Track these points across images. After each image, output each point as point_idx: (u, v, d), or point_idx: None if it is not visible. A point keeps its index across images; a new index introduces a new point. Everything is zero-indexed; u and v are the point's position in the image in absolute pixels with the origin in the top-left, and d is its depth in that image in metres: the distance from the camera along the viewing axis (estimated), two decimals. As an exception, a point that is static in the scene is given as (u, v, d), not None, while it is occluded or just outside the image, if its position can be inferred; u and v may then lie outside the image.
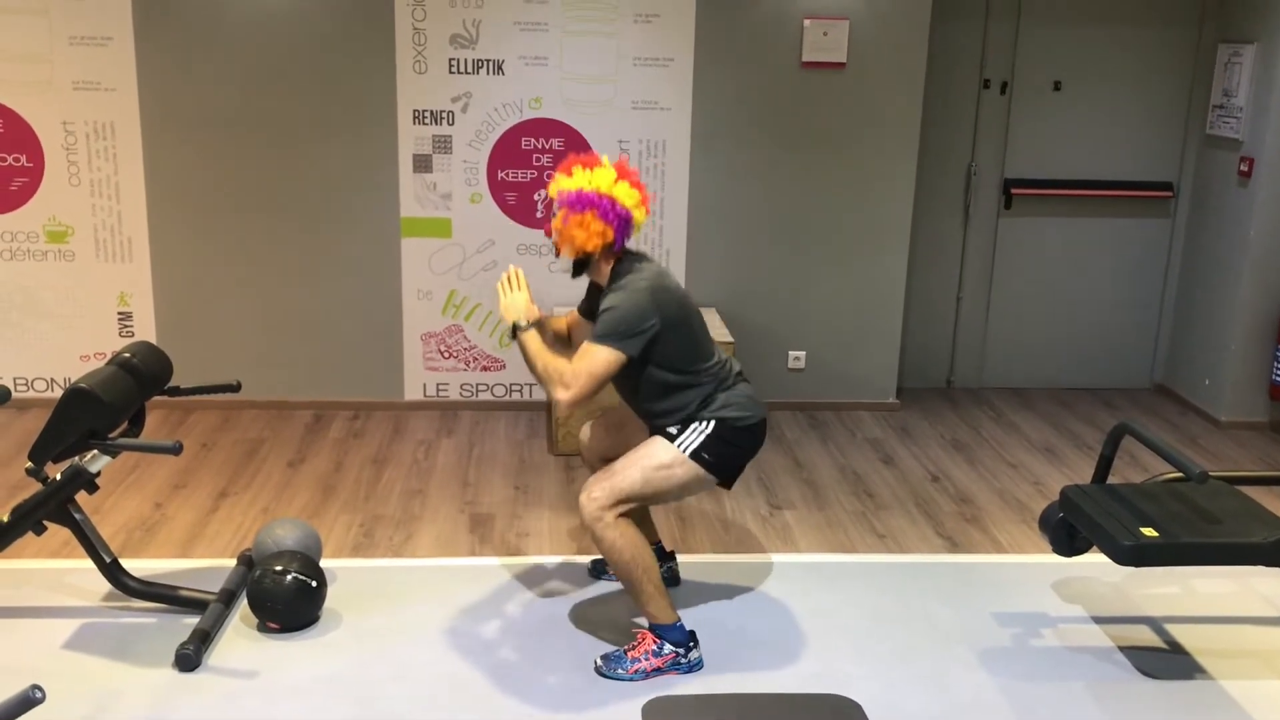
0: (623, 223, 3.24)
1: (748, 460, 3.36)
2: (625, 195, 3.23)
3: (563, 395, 3.17)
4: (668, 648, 3.28)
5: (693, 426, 3.27)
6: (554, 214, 3.28)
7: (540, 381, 3.25)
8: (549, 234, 3.33)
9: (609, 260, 3.32)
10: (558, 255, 3.36)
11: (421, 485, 4.63)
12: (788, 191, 5.41)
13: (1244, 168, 5.44)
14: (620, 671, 3.26)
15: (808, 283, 5.55)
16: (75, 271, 5.27)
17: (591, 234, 3.22)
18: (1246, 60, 5.40)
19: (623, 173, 3.27)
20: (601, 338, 3.17)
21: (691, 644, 3.31)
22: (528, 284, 3.40)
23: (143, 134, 5.15)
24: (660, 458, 3.25)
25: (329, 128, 5.20)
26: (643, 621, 3.37)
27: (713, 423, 3.27)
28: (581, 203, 3.22)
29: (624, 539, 3.21)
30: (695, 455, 3.25)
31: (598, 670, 3.28)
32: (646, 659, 3.27)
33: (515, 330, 3.29)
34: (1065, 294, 6.01)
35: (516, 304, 3.33)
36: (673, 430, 3.29)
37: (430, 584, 3.77)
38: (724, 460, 3.30)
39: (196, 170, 5.21)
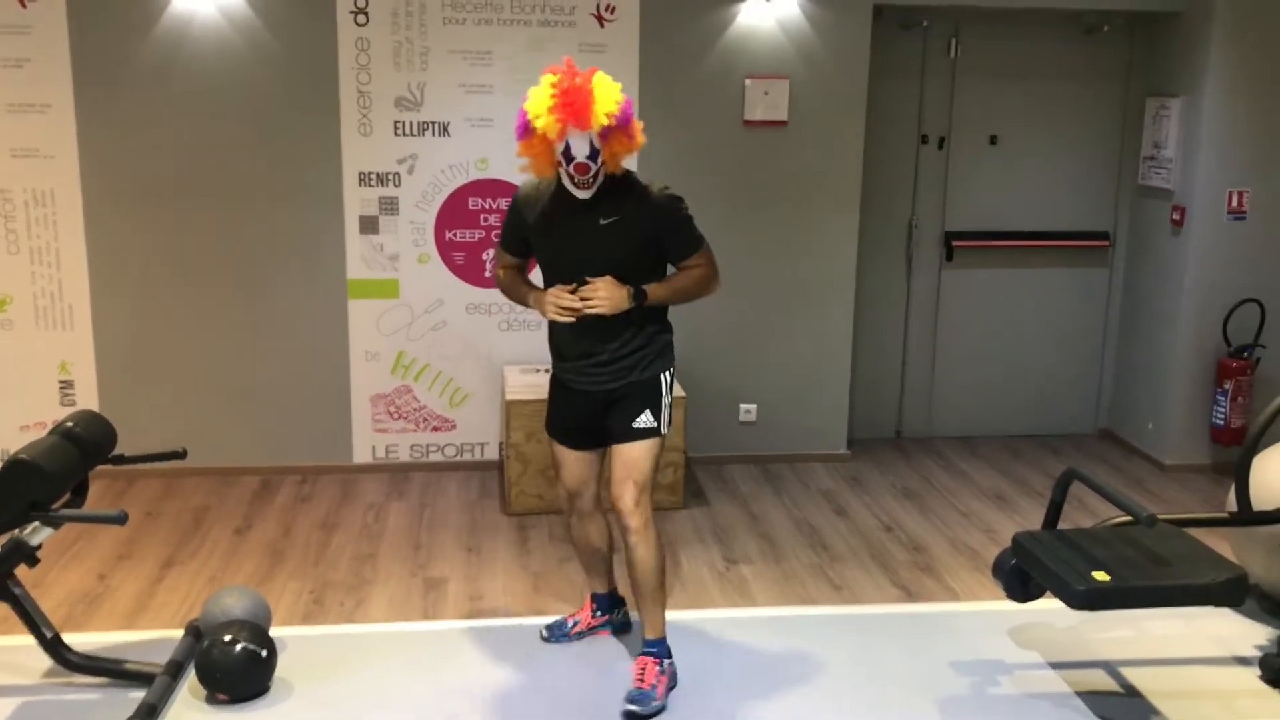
0: None
1: None
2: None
3: (716, 286, 3.44)
4: (666, 662, 3.45)
5: (666, 370, 3.42)
6: (605, 140, 3.12)
7: (691, 299, 3.41)
8: (585, 169, 3.15)
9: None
10: (592, 179, 3.19)
11: (372, 549, 4.57)
12: (735, 247, 5.46)
13: (1176, 216, 5.58)
14: (655, 704, 3.34)
15: (756, 337, 5.59)
16: (14, 340, 5.18)
17: (637, 141, 3.23)
18: (1174, 113, 5.56)
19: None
20: (695, 240, 3.37)
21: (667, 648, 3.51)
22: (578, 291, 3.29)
23: (84, 200, 5.09)
24: (651, 434, 3.38)
25: (273, 191, 5.18)
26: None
27: (670, 363, 3.46)
28: (629, 114, 3.17)
29: (660, 545, 3.42)
30: (668, 409, 3.44)
31: (635, 716, 3.31)
32: (660, 679, 3.39)
33: (640, 299, 3.29)
34: (1009, 343, 6.10)
35: (615, 295, 3.25)
36: (664, 374, 3.41)
37: (384, 650, 3.71)
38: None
39: (139, 236, 5.15)
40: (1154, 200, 5.78)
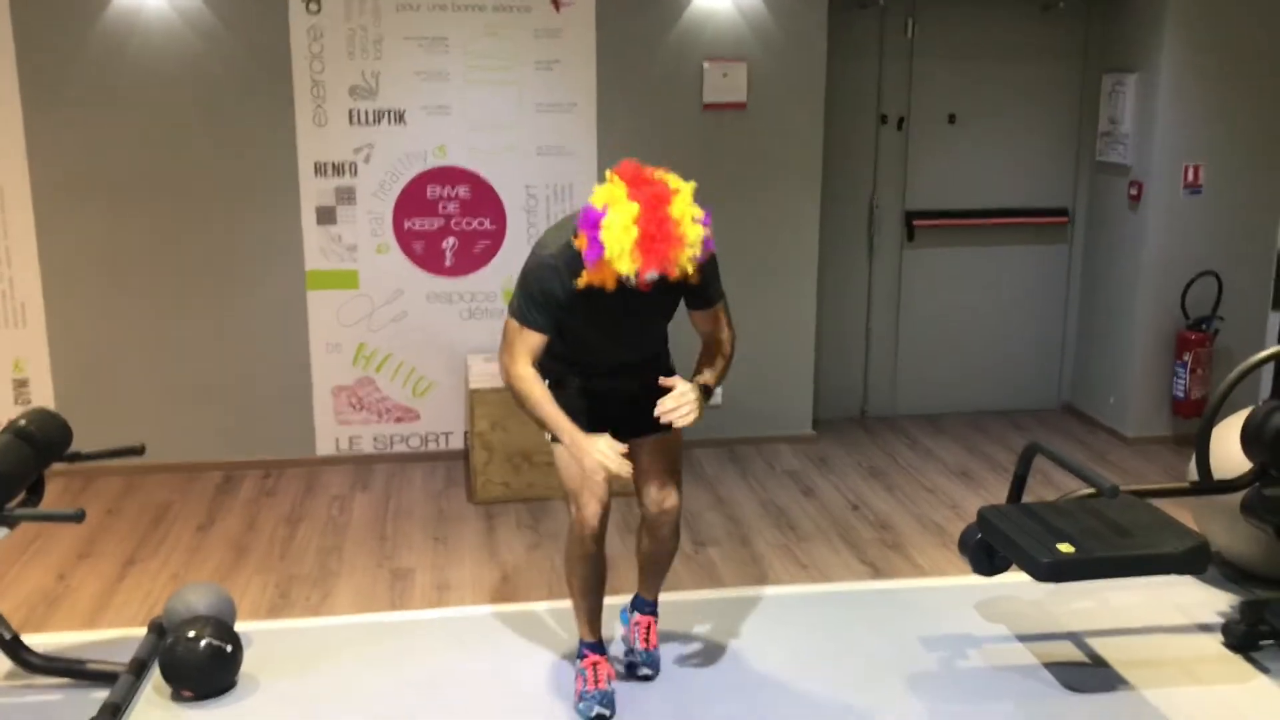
0: None
1: None
2: None
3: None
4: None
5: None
6: (703, 251, 2.90)
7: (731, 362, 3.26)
8: (649, 288, 2.93)
9: None
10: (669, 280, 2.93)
11: (338, 541, 4.53)
12: (696, 230, 5.44)
13: (1133, 192, 5.62)
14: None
15: (720, 320, 5.58)
16: (-34, 340, 5.09)
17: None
18: (1129, 89, 5.59)
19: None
20: (719, 289, 3.23)
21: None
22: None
23: (33, 198, 5.00)
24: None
25: (229, 182, 5.12)
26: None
27: None
28: (710, 247, 2.98)
29: None
30: None
31: (650, 678, 3.40)
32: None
33: (709, 395, 3.12)
34: (971, 320, 6.13)
35: (696, 404, 3.01)
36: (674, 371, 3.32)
37: (351, 642, 3.68)
38: None
39: (92, 231, 5.07)
40: (1111, 176, 5.82)
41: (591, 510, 3.13)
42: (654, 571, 3.50)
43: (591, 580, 3.27)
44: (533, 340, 3.03)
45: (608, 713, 3.22)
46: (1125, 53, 5.67)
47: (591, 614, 3.33)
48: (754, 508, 4.89)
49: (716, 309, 3.23)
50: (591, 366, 3.22)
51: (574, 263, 2.94)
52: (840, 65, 5.65)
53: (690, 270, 2.88)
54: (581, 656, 3.35)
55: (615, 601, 3.67)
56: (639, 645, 3.47)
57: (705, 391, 3.11)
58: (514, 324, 3.05)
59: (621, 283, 2.88)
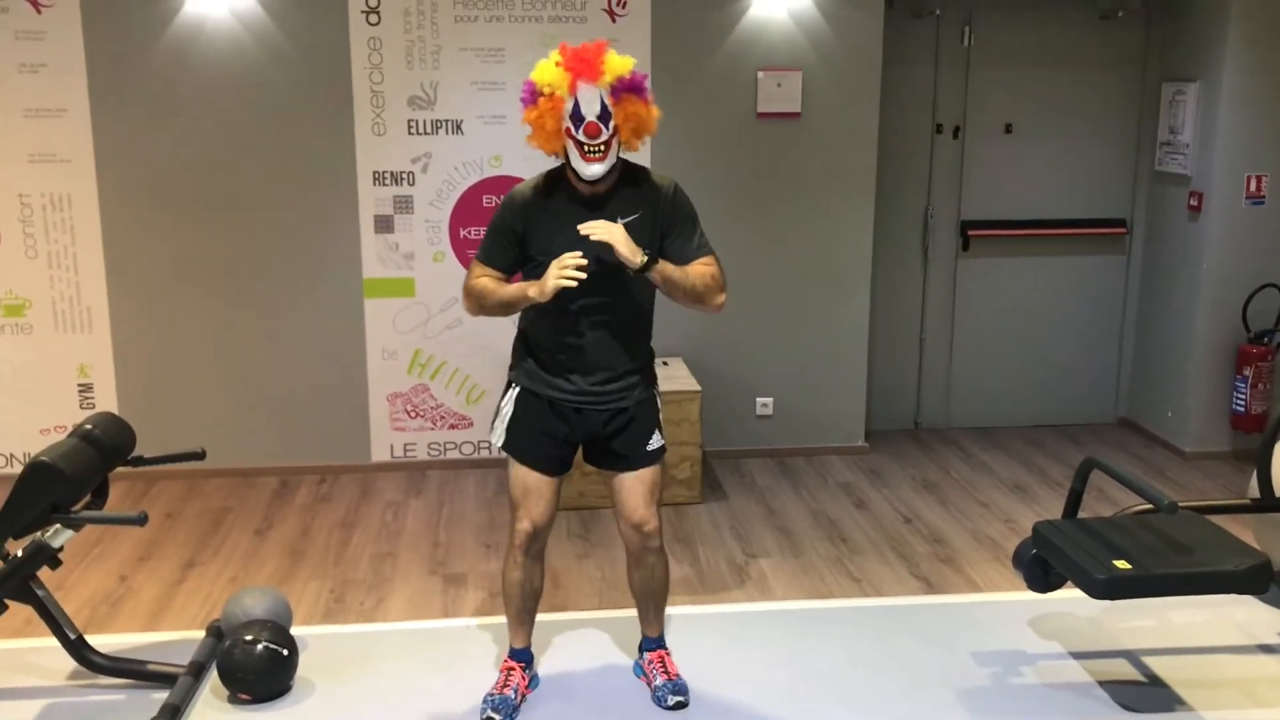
0: None
1: None
2: None
3: (723, 298, 3.18)
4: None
5: (656, 386, 3.34)
6: (617, 102, 2.96)
7: (696, 299, 3.12)
8: (596, 131, 2.93)
9: None
10: (606, 150, 2.97)
11: (391, 547, 4.58)
12: (749, 240, 5.45)
13: (1194, 202, 5.54)
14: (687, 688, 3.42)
15: (772, 330, 5.58)
16: (33, 344, 5.21)
17: (652, 116, 3.05)
18: (1190, 98, 5.52)
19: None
20: (706, 245, 3.17)
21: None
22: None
23: (100, 204, 5.12)
24: (662, 453, 3.32)
25: (288, 192, 5.20)
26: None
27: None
28: (642, 82, 3.01)
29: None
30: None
31: (684, 705, 3.36)
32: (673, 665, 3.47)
33: (648, 266, 3.02)
34: (1027, 332, 6.07)
35: (621, 236, 2.97)
36: (649, 385, 3.31)
37: (404, 648, 3.72)
38: None
39: (156, 238, 5.18)
40: (1171, 186, 5.74)
41: (523, 527, 3.25)
42: (651, 605, 3.45)
43: (520, 590, 3.35)
44: (481, 274, 3.17)
45: (497, 718, 3.27)
46: (1186, 61, 5.60)
47: (519, 622, 3.42)
48: (805, 519, 4.88)
49: (710, 260, 3.16)
50: (568, 374, 3.18)
51: (526, 190, 3.13)
52: (895, 74, 5.62)
53: (620, 72, 2.92)
54: (509, 656, 3.45)
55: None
56: (660, 679, 3.41)
57: (651, 260, 3.03)
58: (473, 262, 3.22)
59: (575, 194, 3.05)
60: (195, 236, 5.20)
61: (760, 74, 5.31)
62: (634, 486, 3.27)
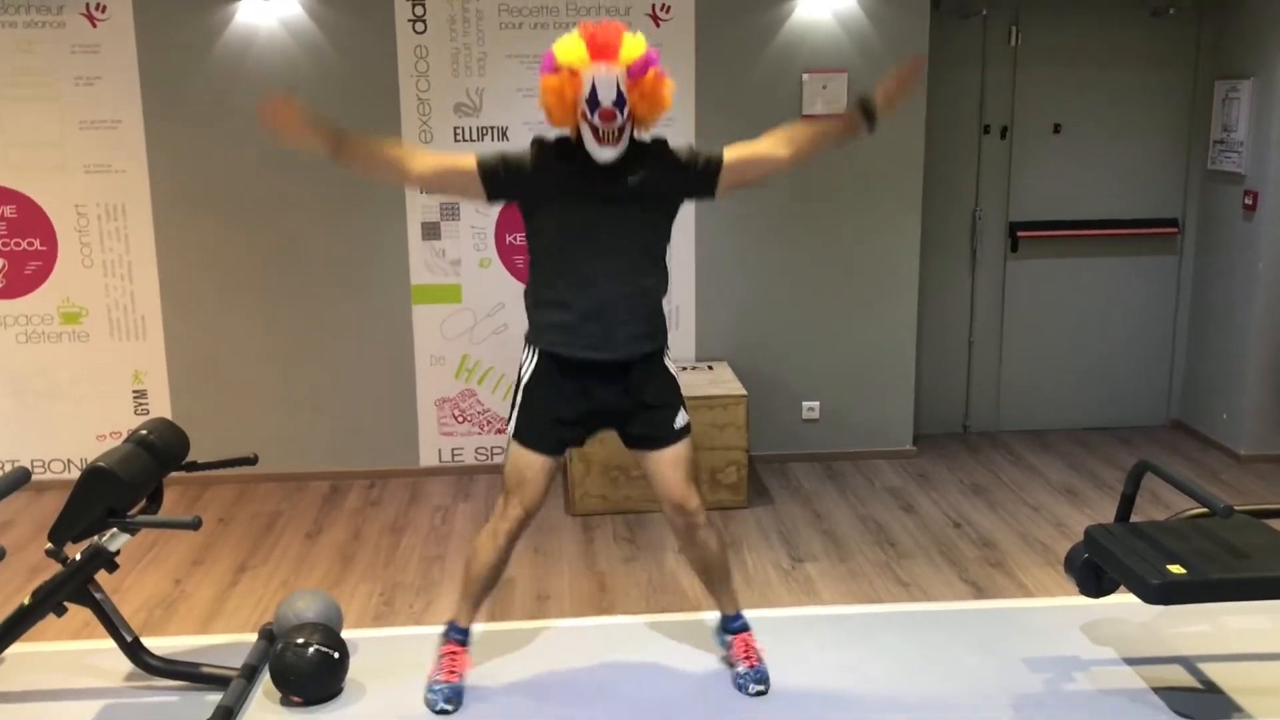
0: None
1: None
2: None
3: (787, 150, 3.26)
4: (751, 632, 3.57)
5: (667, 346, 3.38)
6: (634, 83, 3.02)
7: (814, 141, 3.25)
8: (611, 116, 3.01)
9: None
10: (619, 135, 3.07)
11: (440, 551, 4.62)
12: (795, 243, 5.44)
13: (1248, 201, 5.45)
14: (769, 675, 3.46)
15: (819, 333, 5.56)
16: (90, 352, 5.31)
17: (665, 95, 3.13)
18: (1244, 95, 5.43)
19: None
20: (718, 149, 3.25)
21: None
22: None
23: (153, 213, 5.21)
24: (689, 429, 3.36)
25: (337, 200, 5.26)
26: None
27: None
28: (655, 61, 3.08)
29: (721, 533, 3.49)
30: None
31: (763, 694, 3.39)
32: (759, 650, 3.51)
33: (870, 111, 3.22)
34: (1077, 334, 6.00)
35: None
36: (667, 353, 3.36)
37: (453, 651, 3.74)
38: None
39: (207, 247, 5.26)
40: (1224, 185, 5.66)
41: (514, 514, 3.30)
42: (716, 580, 3.51)
43: (488, 572, 3.38)
44: (463, 157, 3.19)
45: (451, 709, 3.31)
46: (1239, 58, 5.51)
47: (474, 600, 3.44)
48: (853, 524, 4.86)
49: (734, 150, 3.23)
50: (574, 305, 3.19)
51: (545, 142, 3.19)
52: (942, 75, 5.59)
53: (636, 55, 2.99)
54: (445, 640, 3.46)
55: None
56: (743, 667, 3.46)
57: (864, 107, 3.19)
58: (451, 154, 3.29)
59: (589, 161, 3.08)
60: (246, 244, 5.27)
61: (805, 76, 5.29)
62: (669, 467, 3.32)
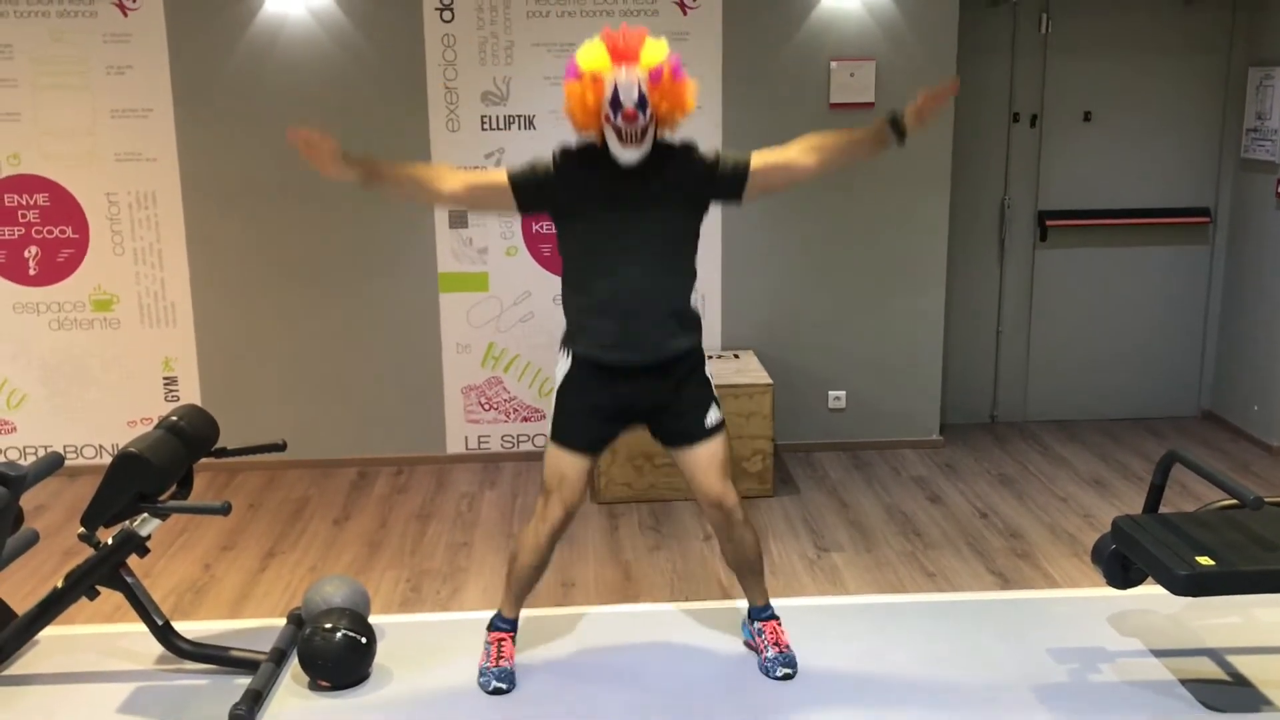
0: None
1: None
2: None
3: (813, 159, 3.30)
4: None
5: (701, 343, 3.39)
6: (655, 86, 3.05)
7: (844, 152, 3.29)
8: (634, 117, 3.03)
9: None
10: (643, 136, 3.09)
11: (466, 538, 4.64)
12: (822, 232, 5.42)
13: (1282, 190, 5.40)
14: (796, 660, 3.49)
15: (846, 322, 5.54)
16: (121, 339, 5.36)
17: (688, 97, 3.15)
18: (1278, 82, 5.37)
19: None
20: (745, 153, 3.28)
21: None
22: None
23: (183, 201, 5.24)
24: (722, 426, 3.38)
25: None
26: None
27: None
28: (678, 66, 3.12)
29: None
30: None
31: (791, 677, 3.43)
32: (785, 635, 3.54)
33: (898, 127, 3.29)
34: (1106, 324, 5.96)
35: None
36: (702, 352, 3.39)
37: (480, 637, 3.75)
38: None
39: (237, 234, 5.29)
40: (1257, 174, 5.60)
41: (555, 513, 3.35)
42: (749, 573, 3.53)
43: (530, 572, 3.46)
44: (494, 172, 3.27)
45: (505, 687, 3.40)
46: (1274, 44, 5.44)
47: (519, 595, 3.52)
48: (879, 514, 4.85)
49: (761, 156, 3.26)
50: (605, 309, 3.22)
51: (570, 149, 3.25)
52: (971, 63, 5.55)
53: (659, 60, 3.02)
54: (492, 629, 3.54)
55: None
56: (772, 652, 3.48)
57: (893, 122, 3.25)
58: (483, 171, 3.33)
59: (614, 164, 3.11)
60: (274, 232, 5.30)
61: (833, 64, 5.27)
62: (704, 465, 3.34)
